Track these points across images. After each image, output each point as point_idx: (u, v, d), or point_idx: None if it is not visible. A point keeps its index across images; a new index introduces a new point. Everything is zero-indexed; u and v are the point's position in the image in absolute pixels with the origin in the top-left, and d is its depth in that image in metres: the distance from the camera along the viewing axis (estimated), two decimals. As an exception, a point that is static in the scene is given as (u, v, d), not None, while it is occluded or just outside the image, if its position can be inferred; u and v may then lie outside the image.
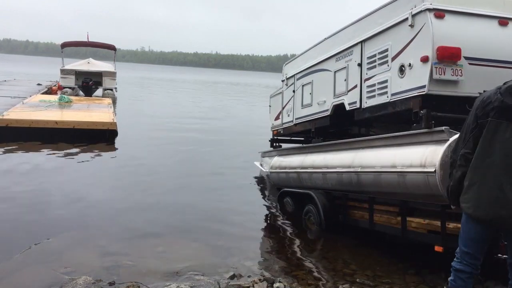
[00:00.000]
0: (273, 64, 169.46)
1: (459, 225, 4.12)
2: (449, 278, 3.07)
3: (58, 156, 10.36)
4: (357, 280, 4.52)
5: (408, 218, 4.67)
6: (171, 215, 6.79)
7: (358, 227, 5.62)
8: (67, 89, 21.35)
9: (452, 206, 3.14)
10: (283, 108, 8.44)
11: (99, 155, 10.91)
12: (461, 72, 4.49)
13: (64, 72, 22.50)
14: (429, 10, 4.50)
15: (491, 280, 4.32)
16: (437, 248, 4.16)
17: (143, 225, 6.18)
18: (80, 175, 8.74)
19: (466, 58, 4.53)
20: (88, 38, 24.91)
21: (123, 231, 5.88)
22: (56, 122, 11.86)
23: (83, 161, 10.17)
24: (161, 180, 8.83)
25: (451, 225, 4.17)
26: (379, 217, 5.17)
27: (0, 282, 4.19)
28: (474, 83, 4.56)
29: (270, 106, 9.42)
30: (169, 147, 12.59)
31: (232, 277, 4.50)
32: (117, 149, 11.68)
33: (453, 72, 4.47)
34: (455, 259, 3.05)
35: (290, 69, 8.11)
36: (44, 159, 9.91)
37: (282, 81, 8.47)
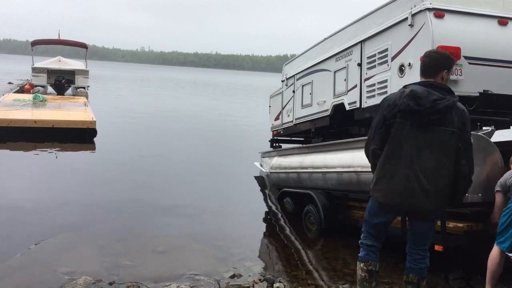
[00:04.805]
0: (273, 64, 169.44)
1: (459, 224, 4.15)
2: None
3: (42, 155, 10.32)
4: (357, 280, 4.52)
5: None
6: (171, 215, 6.79)
7: (358, 227, 5.61)
8: (38, 87, 21.01)
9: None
10: (283, 108, 8.43)
11: (83, 154, 10.95)
12: (460, 72, 4.49)
13: (36, 70, 22.12)
14: (429, 9, 4.49)
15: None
16: (437, 248, 4.15)
17: (143, 225, 6.18)
18: (71, 176, 8.65)
19: (466, 57, 4.52)
20: (59, 36, 24.76)
21: (123, 231, 5.88)
22: (35, 121, 11.70)
23: (69, 161, 10.14)
24: (157, 181, 8.81)
25: (451, 224, 4.17)
26: (379, 217, 5.15)
27: (0, 282, 4.19)
28: (474, 82, 4.55)
29: (270, 106, 9.41)
30: (156, 146, 12.45)
31: (232, 277, 4.51)
32: (98, 148, 11.50)
33: (452, 71, 4.46)
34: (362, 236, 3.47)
35: (290, 69, 8.10)
36: (28, 159, 9.91)
37: (282, 81, 8.46)
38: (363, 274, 3.36)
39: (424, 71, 3.29)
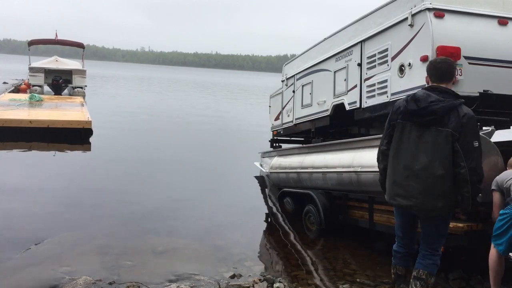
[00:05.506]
0: (273, 64, 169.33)
1: (459, 224, 4.15)
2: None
3: (38, 156, 10.34)
4: (357, 280, 4.52)
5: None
6: (170, 215, 6.79)
7: (358, 227, 5.61)
8: (36, 87, 21.00)
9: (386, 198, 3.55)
10: (283, 109, 8.43)
11: (79, 154, 10.90)
12: (460, 72, 4.49)
13: (33, 70, 22.12)
14: (429, 9, 4.49)
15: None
16: (437, 248, 4.16)
17: (143, 225, 6.18)
18: (68, 176, 8.64)
19: (466, 57, 4.52)
20: (56, 36, 24.81)
21: (123, 231, 5.88)
22: (30, 121, 11.62)
23: (65, 161, 10.14)
24: (156, 181, 8.80)
25: (451, 224, 4.16)
26: (379, 216, 5.17)
27: (0, 282, 4.19)
28: (474, 82, 4.55)
29: (270, 106, 9.41)
30: (154, 146, 12.40)
31: (232, 277, 4.51)
32: (95, 148, 11.42)
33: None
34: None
35: (290, 69, 8.10)
36: (24, 160, 9.87)
37: (282, 81, 8.46)
38: (393, 277, 3.62)
39: (439, 77, 3.34)
